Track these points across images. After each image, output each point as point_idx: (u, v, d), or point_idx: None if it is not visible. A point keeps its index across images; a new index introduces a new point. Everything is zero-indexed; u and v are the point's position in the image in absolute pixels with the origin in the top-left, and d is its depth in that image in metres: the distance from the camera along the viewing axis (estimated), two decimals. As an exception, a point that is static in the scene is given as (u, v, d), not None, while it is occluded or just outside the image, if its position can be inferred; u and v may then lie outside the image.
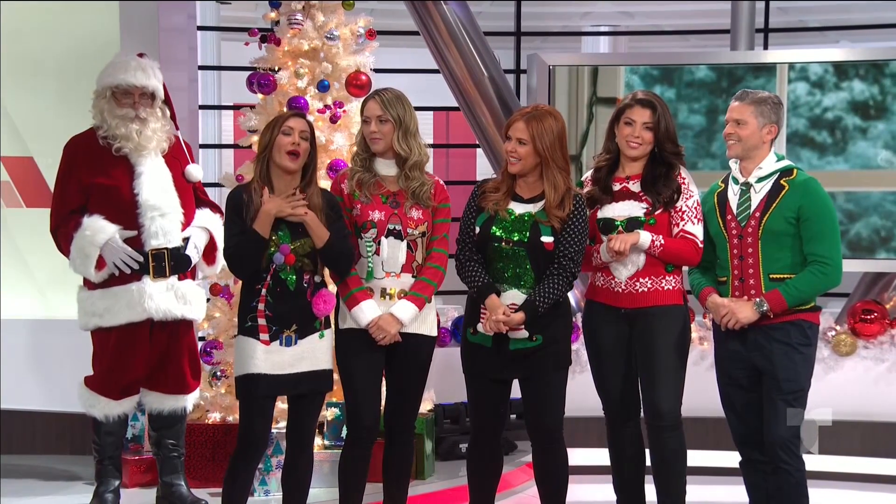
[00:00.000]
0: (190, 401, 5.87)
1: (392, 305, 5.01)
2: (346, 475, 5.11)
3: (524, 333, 4.97)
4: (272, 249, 4.87)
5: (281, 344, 4.92)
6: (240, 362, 4.96)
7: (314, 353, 4.98)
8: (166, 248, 5.62)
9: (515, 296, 4.97)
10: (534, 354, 5.00)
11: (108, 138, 5.64)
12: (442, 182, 5.19)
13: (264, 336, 4.90)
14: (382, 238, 5.01)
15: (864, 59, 7.16)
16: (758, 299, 4.99)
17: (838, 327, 7.51)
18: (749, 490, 5.27)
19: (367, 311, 4.98)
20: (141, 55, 5.79)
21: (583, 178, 5.34)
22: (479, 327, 5.01)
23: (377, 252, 5.01)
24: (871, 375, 7.37)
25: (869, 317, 7.43)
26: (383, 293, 5.04)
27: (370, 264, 5.03)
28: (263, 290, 4.90)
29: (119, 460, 5.82)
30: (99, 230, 5.55)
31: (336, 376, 6.03)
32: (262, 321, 4.91)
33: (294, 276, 4.91)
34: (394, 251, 5.02)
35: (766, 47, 8.18)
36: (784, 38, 9.82)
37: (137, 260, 5.57)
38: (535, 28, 10.16)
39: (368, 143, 5.06)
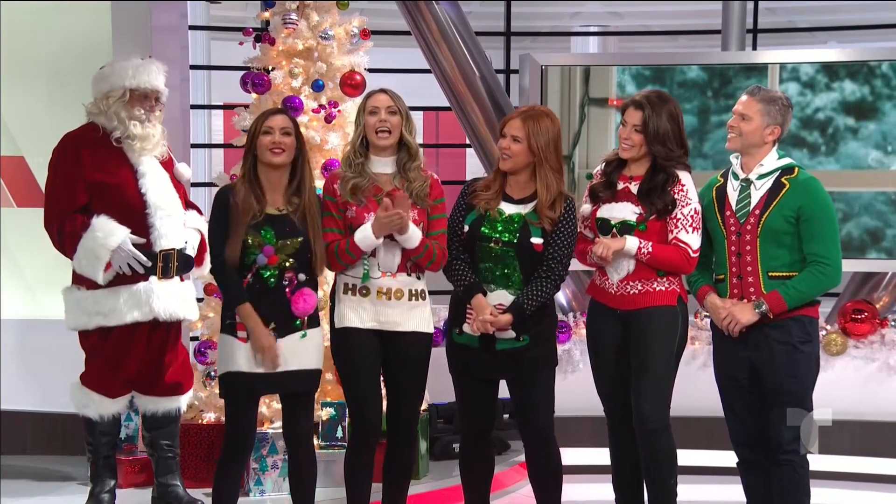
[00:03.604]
0: (184, 401, 5.87)
1: (388, 305, 5.00)
2: (353, 474, 5.08)
3: (511, 334, 4.98)
4: (255, 251, 4.84)
5: None
6: (221, 361, 4.95)
7: (296, 352, 4.93)
8: (174, 249, 5.62)
9: (503, 296, 4.98)
10: (521, 355, 5.01)
11: (124, 138, 5.61)
12: (437, 177, 5.17)
13: (242, 334, 4.87)
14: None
15: (856, 60, 7.19)
16: (757, 300, 4.99)
17: (829, 327, 7.54)
18: (746, 491, 5.27)
19: (365, 227, 4.94)
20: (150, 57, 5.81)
21: (593, 172, 5.32)
22: (465, 327, 5.01)
23: (373, 254, 5.01)
24: (862, 375, 7.39)
25: (859, 316, 7.44)
26: (380, 293, 5.03)
27: (366, 265, 5.02)
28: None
29: (114, 460, 5.81)
30: (109, 233, 5.49)
31: (330, 376, 6.06)
32: (238, 318, 4.88)
33: (275, 276, 4.88)
34: (390, 251, 5.01)
35: (754, 48, 8.21)
36: (773, 38, 9.84)
37: (145, 263, 5.54)
38: (525, 28, 10.17)
39: (373, 138, 5.01)
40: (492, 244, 4.99)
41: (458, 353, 5.11)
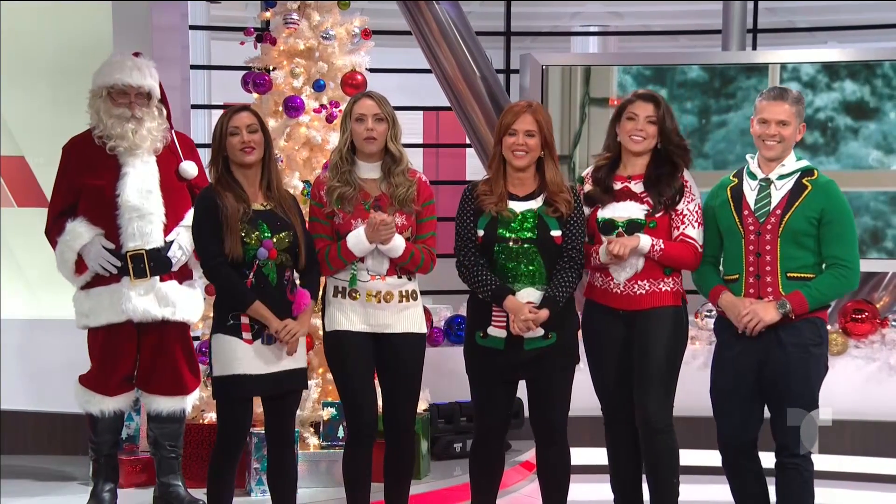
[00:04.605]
0: (189, 402, 5.85)
1: (378, 307, 5.01)
2: (351, 473, 5.08)
3: (540, 332, 4.97)
4: (254, 244, 4.83)
5: (262, 342, 4.88)
6: (222, 362, 4.90)
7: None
8: (144, 250, 5.61)
9: (530, 293, 4.97)
10: (547, 353, 5.01)
11: (103, 138, 5.64)
12: (425, 178, 5.16)
13: (247, 335, 4.85)
14: None
15: (857, 60, 7.19)
16: (781, 300, 4.95)
17: (829, 327, 7.53)
18: (734, 492, 5.20)
19: (358, 232, 4.96)
20: (136, 54, 5.78)
21: (583, 174, 5.34)
22: (491, 330, 5.01)
23: (362, 259, 5.02)
24: (862, 375, 7.40)
25: (860, 316, 7.46)
26: (369, 295, 5.03)
27: (354, 270, 5.02)
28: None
29: (116, 459, 5.82)
30: (76, 236, 5.57)
31: (328, 375, 6.06)
32: (244, 319, 4.85)
33: (275, 273, 4.88)
34: (379, 254, 5.00)
35: (754, 48, 8.22)
36: (772, 38, 9.84)
37: (115, 264, 5.57)
38: (525, 28, 10.17)
39: (360, 144, 5.02)
40: (511, 244, 4.99)
41: (482, 357, 5.09)
